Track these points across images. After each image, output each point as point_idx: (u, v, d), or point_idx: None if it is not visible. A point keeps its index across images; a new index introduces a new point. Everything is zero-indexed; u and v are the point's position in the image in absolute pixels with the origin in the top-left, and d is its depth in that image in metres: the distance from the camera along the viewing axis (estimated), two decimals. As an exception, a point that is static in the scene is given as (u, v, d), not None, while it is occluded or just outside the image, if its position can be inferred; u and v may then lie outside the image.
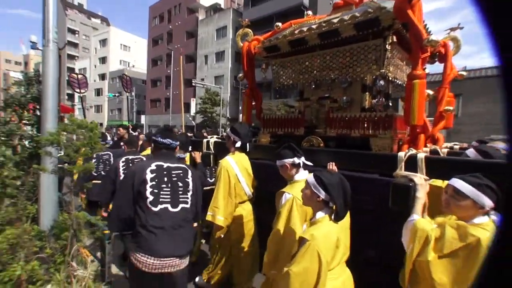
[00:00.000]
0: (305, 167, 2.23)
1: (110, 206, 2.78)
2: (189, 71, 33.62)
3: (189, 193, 2.06)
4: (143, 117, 39.31)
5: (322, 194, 1.63)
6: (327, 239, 1.57)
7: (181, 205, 1.98)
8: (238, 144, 2.87)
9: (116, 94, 36.05)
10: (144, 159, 3.63)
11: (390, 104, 3.38)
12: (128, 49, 49.76)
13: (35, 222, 3.18)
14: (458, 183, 1.54)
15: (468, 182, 1.50)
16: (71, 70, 49.65)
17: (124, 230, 1.98)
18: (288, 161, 2.16)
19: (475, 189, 1.47)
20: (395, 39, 2.70)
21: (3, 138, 3.65)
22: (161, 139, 2.13)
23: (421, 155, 2.20)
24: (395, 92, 3.45)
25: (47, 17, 2.93)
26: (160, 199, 1.91)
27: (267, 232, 2.16)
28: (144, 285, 1.90)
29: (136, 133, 7.29)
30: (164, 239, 1.86)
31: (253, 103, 3.82)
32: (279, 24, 3.51)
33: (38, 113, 3.66)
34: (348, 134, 2.98)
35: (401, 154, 2.31)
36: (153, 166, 1.99)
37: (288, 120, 3.40)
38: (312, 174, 1.74)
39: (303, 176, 2.14)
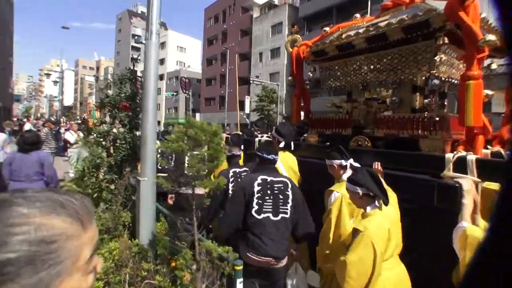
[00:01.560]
0: (352, 168, 2.47)
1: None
2: (244, 69, 34.78)
3: (289, 205, 2.40)
4: (197, 115, 41.63)
5: (359, 190, 1.87)
6: (379, 230, 1.79)
7: (281, 215, 2.36)
8: (282, 144, 3.19)
9: (174, 93, 38.91)
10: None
11: (446, 103, 3.36)
12: (184, 50, 53.39)
13: (130, 232, 3.11)
14: None
15: None
16: (134, 72, 55.06)
17: (230, 234, 2.45)
18: (336, 162, 2.47)
19: None
20: (446, 40, 2.74)
21: (98, 139, 3.63)
22: (266, 155, 2.52)
23: (472, 157, 2.25)
24: (453, 90, 3.43)
25: (151, 9, 2.88)
26: (263, 209, 2.33)
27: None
28: (249, 277, 2.31)
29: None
30: (265, 241, 2.28)
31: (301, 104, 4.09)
32: (327, 28, 3.73)
33: (129, 113, 3.68)
34: (396, 135, 3.09)
35: (449, 155, 2.40)
36: (259, 180, 2.39)
37: (335, 120, 3.61)
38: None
39: None
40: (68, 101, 78.43)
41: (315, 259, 2.40)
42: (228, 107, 33.12)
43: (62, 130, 12.71)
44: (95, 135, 3.68)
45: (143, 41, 3.01)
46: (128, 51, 60.84)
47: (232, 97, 31.58)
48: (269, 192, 2.36)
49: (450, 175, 2.29)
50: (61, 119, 22.05)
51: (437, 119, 2.82)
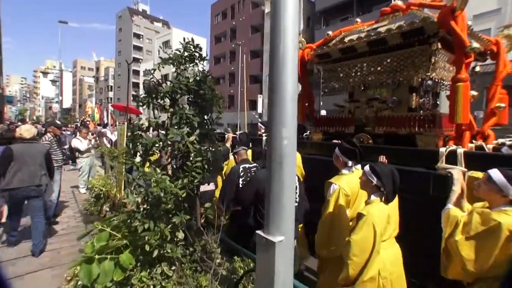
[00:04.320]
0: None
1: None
2: (255, 67, 35.61)
3: (297, 194, 2.92)
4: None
5: (375, 180, 2.30)
6: (380, 215, 2.23)
7: None
8: None
9: (180, 94, 40.05)
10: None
11: (439, 102, 3.95)
12: (190, 49, 54.92)
13: None
14: (493, 171, 2.02)
15: (502, 173, 1.97)
16: (136, 72, 56.96)
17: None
18: (344, 158, 2.93)
19: (505, 179, 1.94)
20: (439, 46, 3.34)
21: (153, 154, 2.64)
22: None
23: (460, 150, 2.82)
24: (445, 90, 4.01)
25: None
26: None
27: (315, 216, 2.97)
28: None
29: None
30: None
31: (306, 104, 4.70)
32: (330, 32, 4.37)
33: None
34: (396, 132, 3.67)
35: (442, 149, 2.95)
36: None
37: (339, 119, 4.23)
38: (368, 164, 2.46)
39: (349, 171, 2.92)
40: (67, 103, 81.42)
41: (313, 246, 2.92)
42: (240, 107, 33.73)
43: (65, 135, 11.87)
44: (143, 146, 2.54)
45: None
46: (130, 50, 62.82)
47: (243, 97, 32.35)
48: None
49: (443, 166, 2.83)
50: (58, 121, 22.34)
51: (431, 117, 3.40)
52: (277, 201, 1.68)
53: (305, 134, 4.77)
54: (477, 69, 3.86)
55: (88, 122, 17.44)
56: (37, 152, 4.37)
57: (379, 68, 3.81)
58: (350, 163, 2.91)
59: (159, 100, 2.76)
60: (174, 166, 2.77)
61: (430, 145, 3.38)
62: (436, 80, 3.57)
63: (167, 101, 2.78)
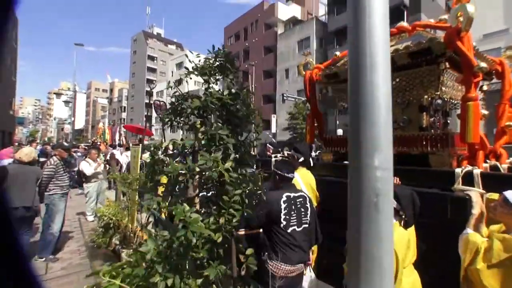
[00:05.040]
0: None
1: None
2: (268, 86, 36.29)
3: (308, 215, 2.91)
4: (217, 136, 43.20)
5: (394, 204, 2.14)
6: (401, 239, 2.12)
7: (303, 225, 2.84)
8: (301, 159, 3.84)
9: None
10: None
11: (449, 121, 3.96)
12: (202, 71, 56.62)
13: None
14: (509, 193, 2.00)
15: None
16: (149, 93, 58.54)
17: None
18: None
19: None
20: (447, 65, 3.40)
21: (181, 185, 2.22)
22: (286, 174, 2.99)
23: (477, 171, 2.79)
24: (456, 109, 4.04)
25: None
26: (290, 223, 2.79)
27: (330, 241, 2.93)
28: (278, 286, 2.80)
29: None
30: (296, 250, 2.75)
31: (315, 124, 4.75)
32: (338, 52, 4.50)
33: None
34: (407, 152, 3.68)
35: (458, 170, 2.92)
36: (284, 198, 2.83)
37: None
38: None
39: None
40: (79, 124, 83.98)
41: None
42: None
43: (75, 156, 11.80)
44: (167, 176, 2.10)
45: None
46: (143, 73, 64.84)
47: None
48: (293, 207, 2.85)
49: (460, 188, 2.79)
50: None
51: (444, 136, 3.43)
52: (370, 259, 1.16)
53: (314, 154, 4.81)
54: (485, 88, 3.90)
55: (99, 143, 17.70)
56: (32, 174, 4.66)
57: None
58: None
59: (183, 118, 2.39)
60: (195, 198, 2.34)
61: (443, 165, 3.37)
62: (446, 99, 3.60)
63: (192, 119, 2.42)
